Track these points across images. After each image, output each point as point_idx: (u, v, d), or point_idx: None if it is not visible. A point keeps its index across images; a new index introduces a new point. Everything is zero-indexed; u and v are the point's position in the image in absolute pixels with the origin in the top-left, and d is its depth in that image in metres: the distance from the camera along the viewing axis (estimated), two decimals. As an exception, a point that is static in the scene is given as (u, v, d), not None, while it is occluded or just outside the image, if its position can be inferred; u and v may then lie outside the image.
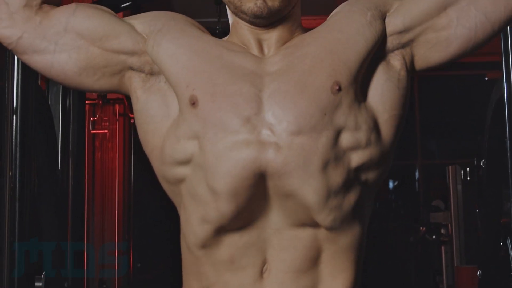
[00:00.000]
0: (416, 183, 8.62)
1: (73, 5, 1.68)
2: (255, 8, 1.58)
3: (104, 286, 5.27)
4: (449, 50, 1.62)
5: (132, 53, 1.65)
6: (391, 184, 8.81)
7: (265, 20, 1.61)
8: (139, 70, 1.66)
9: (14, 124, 2.36)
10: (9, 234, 2.33)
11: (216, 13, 4.41)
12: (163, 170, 1.64)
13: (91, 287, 4.97)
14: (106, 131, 5.96)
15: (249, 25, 1.65)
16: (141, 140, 1.69)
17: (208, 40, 1.65)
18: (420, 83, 8.35)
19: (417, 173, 8.61)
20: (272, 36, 1.65)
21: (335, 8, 1.72)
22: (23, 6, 1.64)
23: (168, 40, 1.62)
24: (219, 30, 4.30)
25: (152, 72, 1.65)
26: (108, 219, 5.99)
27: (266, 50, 1.65)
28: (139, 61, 1.65)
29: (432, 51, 1.63)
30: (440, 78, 8.01)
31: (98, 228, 5.81)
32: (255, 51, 1.64)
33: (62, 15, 1.65)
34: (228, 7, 1.68)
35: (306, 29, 1.71)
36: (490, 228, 2.87)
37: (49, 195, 2.50)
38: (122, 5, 3.70)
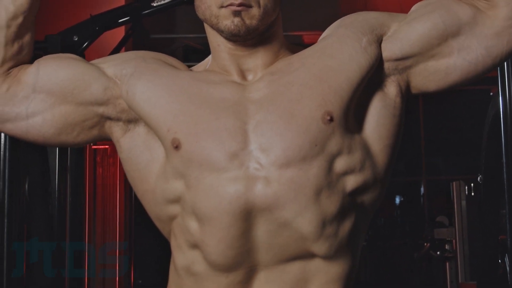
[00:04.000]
0: (421, 199, 8.60)
1: (36, 63, 1.62)
2: (232, 26, 1.52)
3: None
4: (447, 80, 1.56)
5: (106, 103, 1.59)
6: (397, 200, 8.79)
7: (242, 39, 1.55)
8: (117, 119, 1.60)
9: (2, 140, 2.34)
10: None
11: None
12: (156, 211, 1.60)
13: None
14: (106, 146, 5.95)
15: (229, 45, 1.59)
16: (131, 185, 1.65)
17: (184, 77, 1.59)
18: (424, 99, 8.33)
19: (422, 189, 8.59)
20: (254, 58, 1.59)
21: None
22: None
23: (143, 83, 1.56)
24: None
25: (130, 119, 1.60)
26: (109, 235, 5.97)
27: (249, 76, 1.59)
28: (114, 110, 1.59)
29: (430, 79, 1.57)
30: (445, 93, 7.98)
31: (99, 242, 5.80)
32: (236, 77, 1.58)
33: (27, 76, 1.59)
34: (205, 25, 1.61)
35: (293, 47, 1.66)
36: (488, 245, 2.85)
37: (41, 212, 2.47)
38: (120, 20, 3.69)
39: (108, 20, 3.70)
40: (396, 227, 8.56)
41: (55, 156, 3.33)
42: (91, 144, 5.60)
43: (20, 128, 1.61)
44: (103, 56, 1.70)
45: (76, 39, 3.58)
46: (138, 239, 6.47)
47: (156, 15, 4.54)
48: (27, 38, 1.63)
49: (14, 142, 2.31)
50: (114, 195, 6.09)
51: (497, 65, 1.58)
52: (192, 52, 6.05)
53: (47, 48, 3.28)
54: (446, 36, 1.55)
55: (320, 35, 1.65)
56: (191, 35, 6.73)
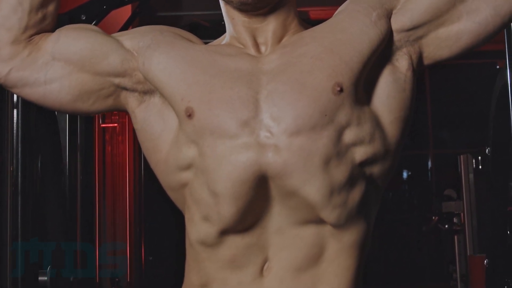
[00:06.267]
0: (429, 172, 8.60)
1: (57, 31, 1.65)
2: None
3: (117, 279, 5.29)
4: (459, 44, 1.59)
5: (123, 74, 1.62)
6: (404, 174, 8.80)
7: (252, 7, 1.58)
8: (133, 90, 1.64)
9: (14, 119, 2.35)
10: (10, 233, 2.31)
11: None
12: (168, 180, 1.63)
13: (103, 282, 4.99)
14: (115, 124, 5.96)
15: (243, 18, 1.62)
16: (145, 155, 1.68)
17: (199, 49, 1.62)
18: (431, 72, 8.32)
19: (429, 163, 8.59)
20: (266, 31, 1.62)
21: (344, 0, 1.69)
22: (10, 42, 1.62)
23: (159, 55, 1.60)
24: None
25: (145, 90, 1.63)
26: (119, 212, 6.00)
27: (262, 48, 1.62)
28: (130, 81, 1.62)
29: (442, 46, 1.59)
30: (451, 67, 7.97)
31: (109, 220, 5.82)
32: (251, 50, 1.61)
33: (48, 44, 1.63)
34: (220, 0, 1.65)
35: (306, 25, 1.68)
36: (497, 217, 2.86)
37: (54, 190, 2.49)
38: (128, -2, 3.70)
39: (117, -1, 3.71)
40: (404, 201, 8.58)
41: (66, 134, 3.35)
42: (100, 122, 5.62)
43: (37, 93, 1.64)
44: (111, 35, 1.73)
45: (84, 18, 3.60)
46: (148, 216, 6.49)
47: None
48: (51, 8, 1.67)
49: (26, 120, 2.33)
50: (124, 173, 6.11)
51: (507, 23, 1.59)
52: (199, 29, 6.05)
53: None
54: (454, 1, 1.57)
55: (326, 11, 1.68)
56: (197, 12, 6.72)
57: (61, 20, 3.32)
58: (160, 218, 6.47)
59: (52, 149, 2.43)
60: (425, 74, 8.39)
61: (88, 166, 3.76)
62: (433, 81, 8.35)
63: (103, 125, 5.78)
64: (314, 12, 6.85)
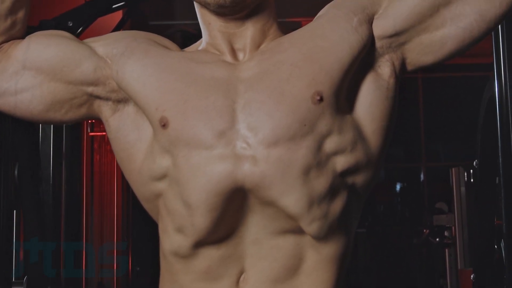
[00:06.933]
0: (421, 185, 8.59)
1: (27, 38, 1.62)
2: None
3: (103, 288, 5.27)
4: (443, 50, 1.55)
5: (95, 83, 1.58)
6: (398, 187, 8.78)
7: (230, 11, 1.54)
8: (106, 98, 1.60)
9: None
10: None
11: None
12: (142, 191, 1.59)
13: (90, 289, 4.96)
14: (104, 133, 5.93)
15: (219, 23, 1.58)
16: (119, 165, 1.64)
17: (175, 56, 1.58)
18: (424, 85, 8.31)
19: (422, 176, 8.57)
20: (244, 37, 1.58)
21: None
22: None
23: (133, 62, 1.55)
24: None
25: (119, 99, 1.59)
26: (107, 222, 5.98)
27: (240, 55, 1.58)
28: (104, 90, 1.59)
29: (426, 52, 1.56)
30: (445, 79, 7.97)
31: (97, 230, 5.79)
32: (228, 56, 1.57)
33: (18, 52, 1.59)
34: (196, 5, 1.61)
35: (286, 30, 1.64)
36: (485, 231, 2.83)
37: (31, 198, 2.45)
38: (114, 6, 3.66)
39: (103, 6, 3.67)
40: (396, 214, 8.56)
41: (50, 142, 3.31)
42: (89, 131, 5.59)
43: (8, 103, 1.60)
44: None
45: (70, 24, 3.56)
46: (136, 226, 6.47)
47: (154, 1, 4.48)
48: (20, 14, 1.63)
49: (2, 125, 2.28)
50: (112, 182, 6.09)
51: (492, 28, 1.56)
52: (190, 38, 6.04)
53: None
54: (438, 6, 1.53)
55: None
56: (189, 22, 6.70)
57: (48, 26, 3.29)
58: (148, 228, 6.44)
59: (30, 155, 2.39)
60: (418, 87, 8.39)
61: (73, 175, 3.73)
62: (426, 93, 8.34)
63: (92, 134, 5.76)
64: (306, 23, 6.83)
